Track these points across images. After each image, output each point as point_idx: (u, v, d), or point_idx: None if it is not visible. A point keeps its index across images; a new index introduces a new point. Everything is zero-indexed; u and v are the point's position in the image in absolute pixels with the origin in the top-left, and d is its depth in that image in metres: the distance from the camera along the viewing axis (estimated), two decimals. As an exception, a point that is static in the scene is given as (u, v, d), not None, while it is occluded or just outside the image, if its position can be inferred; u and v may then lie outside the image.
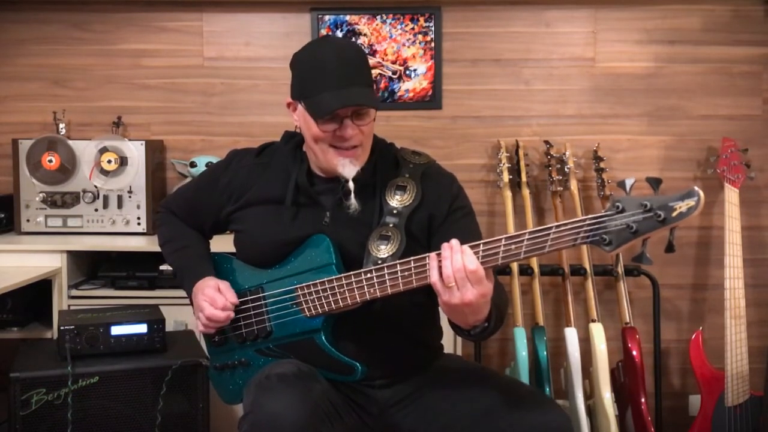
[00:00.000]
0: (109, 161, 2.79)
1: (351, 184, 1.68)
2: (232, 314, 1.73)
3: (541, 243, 1.41)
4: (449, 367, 1.81)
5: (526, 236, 1.41)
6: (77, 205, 2.81)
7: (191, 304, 1.82)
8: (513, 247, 1.43)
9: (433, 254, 1.48)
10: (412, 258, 1.53)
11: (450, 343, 2.53)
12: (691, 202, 1.30)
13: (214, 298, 1.72)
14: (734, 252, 2.78)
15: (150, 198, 2.81)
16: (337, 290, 1.61)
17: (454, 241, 1.46)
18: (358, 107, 1.64)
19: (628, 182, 1.44)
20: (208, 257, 1.88)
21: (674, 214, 1.31)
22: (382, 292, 1.56)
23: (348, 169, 1.67)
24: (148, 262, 2.62)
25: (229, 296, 1.74)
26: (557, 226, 1.39)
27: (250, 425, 1.51)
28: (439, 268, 1.45)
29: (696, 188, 1.30)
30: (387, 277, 1.55)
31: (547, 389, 2.63)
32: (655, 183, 1.40)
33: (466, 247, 1.44)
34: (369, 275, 1.57)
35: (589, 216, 1.37)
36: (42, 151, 2.79)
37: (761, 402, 2.73)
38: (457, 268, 1.43)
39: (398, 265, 1.54)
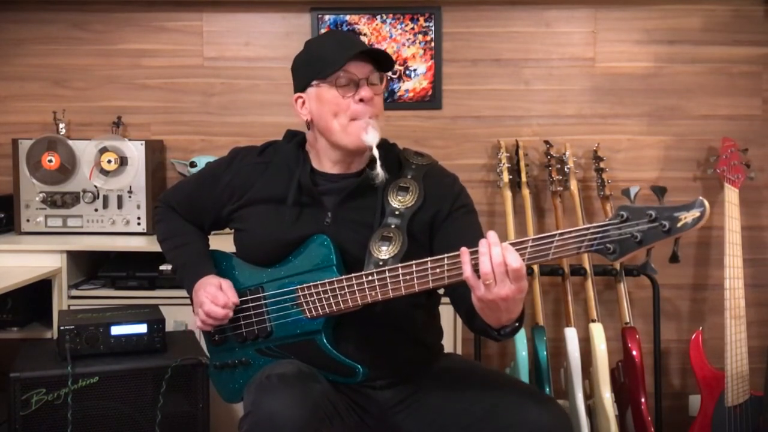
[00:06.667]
0: (109, 161, 2.79)
1: (376, 152, 1.68)
2: (230, 313, 1.73)
3: (545, 250, 1.40)
4: (450, 368, 1.80)
5: (530, 243, 1.40)
6: (77, 205, 2.81)
7: (191, 302, 1.82)
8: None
9: (464, 250, 1.44)
10: (414, 262, 1.52)
11: (450, 343, 2.53)
12: (696, 213, 1.29)
13: (215, 296, 1.72)
14: (734, 252, 2.78)
15: (150, 198, 2.81)
16: (338, 292, 1.61)
17: (492, 234, 1.42)
18: (373, 69, 1.68)
19: (633, 190, 1.43)
20: (209, 255, 1.88)
21: (679, 224, 1.30)
22: (384, 295, 1.56)
23: (372, 135, 1.67)
24: (148, 262, 2.62)
25: (231, 295, 1.74)
26: (561, 234, 1.38)
27: (250, 425, 1.51)
28: (474, 263, 1.42)
29: (701, 198, 1.30)
30: (388, 280, 1.54)
31: (547, 389, 2.63)
32: (659, 192, 1.40)
33: (507, 244, 1.40)
34: (370, 278, 1.56)
35: (593, 224, 1.36)
36: (42, 151, 2.79)
37: (761, 402, 2.73)
38: (497, 263, 1.39)
39: (400, 269, 1.53)
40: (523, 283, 1.40)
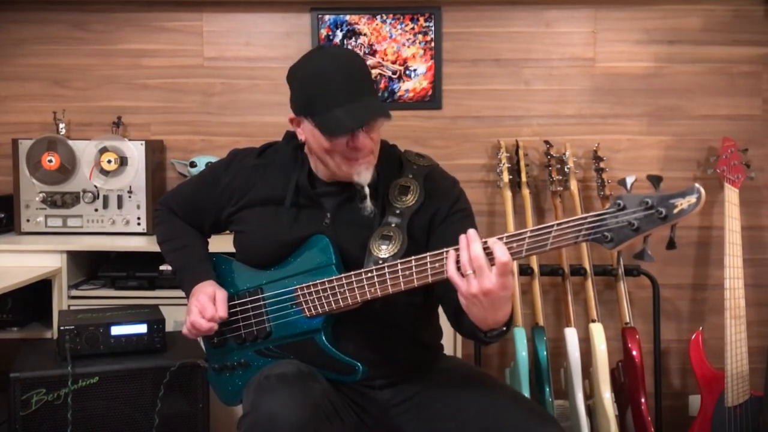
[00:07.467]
0: (109, 161, 2.79)
1: (367, 190, 1.67)
2: (215, 327, 1.73)
3: (543, 241, 1.40)
4: (450, 368, 1.81)
5: (528, 234, 1.41)
6: (77, 205, 2.81)
7: (189, 304, 1.82)
8: (514, 245, 1.42)
9: (451, 249, 1.46)
10: (413, 257, 1.52)
11: (450, 343, 2.54)
12: (692, 199, 1.29)
13: (205, 307, 1.72)
14: (734, 252, 2.78)
15: (150, 198, 2.81)
16: (337, 290, 1.61)
17: (472, 231, 1.43)
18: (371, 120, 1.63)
19: (629, 180, 1.44)
20: (208, 257, 1.88)
21: (675, 210, 1.30)
22: (383, 291, 1.56)
23: (364, 176, 1.66)
24: (148, 262, 2.62)
25: (220, 309, 1.73)
26: (559, 224, 1.39)
27: (249, 425, 1.51)
28: (457, 259, 1.43)
29: (697, 185, 1.30)
30: (387, 276, 1.54)
31: (547, 389, 2.63)
32: (655, 180, 1.40)
33: (496, 238, 1.42)
34: (369, 275, 1.57)
35: (591, 213, 1.37)
36: (42, 151, 2.79)
37: (761, 402, 2.73)
38: (474, 255, 1.40)
39: (399, 265, 1.53)
40: (508, 280, 1.40)
